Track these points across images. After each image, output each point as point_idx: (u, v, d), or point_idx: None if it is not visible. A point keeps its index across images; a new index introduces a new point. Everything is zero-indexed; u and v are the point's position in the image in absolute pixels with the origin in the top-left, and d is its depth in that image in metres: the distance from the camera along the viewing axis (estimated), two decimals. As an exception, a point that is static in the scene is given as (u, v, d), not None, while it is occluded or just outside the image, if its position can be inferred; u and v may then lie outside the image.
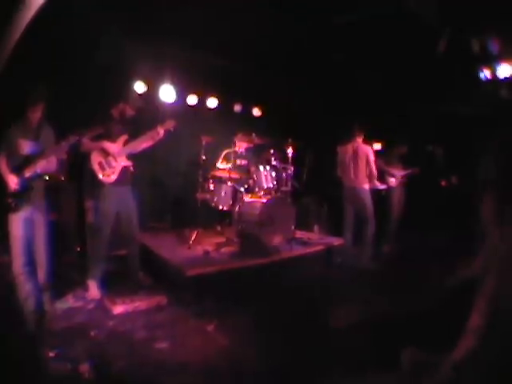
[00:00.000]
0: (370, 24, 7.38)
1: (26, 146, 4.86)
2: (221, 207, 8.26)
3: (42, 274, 4.95)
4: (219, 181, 8.51)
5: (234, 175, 8.36)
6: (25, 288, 4.75)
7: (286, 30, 7.86)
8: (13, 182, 4.70)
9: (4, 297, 4.98)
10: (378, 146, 10.03)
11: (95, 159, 6.00)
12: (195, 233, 7.94)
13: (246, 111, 11.30)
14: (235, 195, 8.31)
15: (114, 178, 6.01)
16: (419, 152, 9.65)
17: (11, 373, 3.69)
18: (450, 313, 3.67)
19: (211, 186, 8.47)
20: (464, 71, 8.20)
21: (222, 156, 8.95)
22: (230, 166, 8.49)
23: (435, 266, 6.92)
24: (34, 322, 4.71)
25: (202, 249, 7.55)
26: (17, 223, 4.77)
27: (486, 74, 8.08)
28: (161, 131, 6.13)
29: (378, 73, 9.30)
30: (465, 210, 8.26)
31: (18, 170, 4.75)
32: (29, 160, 4.80)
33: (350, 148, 8.46)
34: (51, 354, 4.11)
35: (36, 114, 4.94)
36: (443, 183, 9.77)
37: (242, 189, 8.34)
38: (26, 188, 4.78)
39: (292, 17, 7.49)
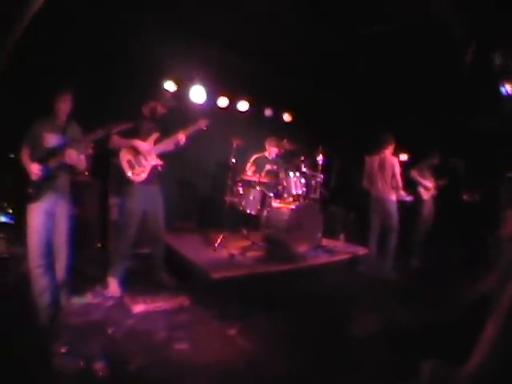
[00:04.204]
0: (396, 35, 7.38)
1: (52, 140, 4.84)
2: (249, 211, 8.23)
3: (60, 268, 4.91)
4: (248, 185, 8.48)
5: (264, 180, 8.30)
6: (40, 282, 4.69)
7: (316, 37, 7.88)
8: (35, 169, 4.62)
9: (16, 288, 4.97)
10: (404, 157, 9.94)
11: (124, 157, 5.96)
12: (221, 235, 7.90)
13: (277, 116, 11.26)
14: (264, 200, 8.27)
15: (143, 176, 5.95)
16: (443, 165, 9.54)
17: (19, 366, 3.68)
18: (467, 326, 3.63)
19: (240, 190, 8.45)
20: (487, 85, 8.09)
21: (251, 161, 8.92)
22: (259, 170, 8.47)
23: (455, 279, 6.93)
24: (48, 317, 4.68)
25: (227, 252, 7.51)
26: (36, 214, 4.70)
27: (507, 88, 7.91)
28: (182, 138, 6.10)
29: (403, 84, 9.26)
30: (485, 225, 8.22)
31: (42, 160, 4.69)
32: (55, 152, 4.75)
33: (377, 159, 8.41)
34: (63, 350, 4.06)
35: (64, 105, 4.92)
36: (465, 197, 9.64)
37: (271, 194, 8.28)
38: (48, 177, 4.71)
39: (322, 25, 7.50)
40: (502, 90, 7.71)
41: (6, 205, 6.35)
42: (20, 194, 4.75)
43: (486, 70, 7.31)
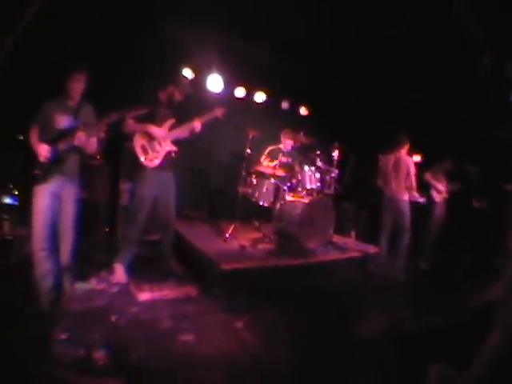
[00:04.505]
0: (419, 35, 7.37)
1: (63, 121, 4.75)
2: (261, 203, 8.14)
3: (64, 252, 4.85)
4: (262, 176, 8.37)
5: (278, 172, 8.21)
6: (43, 266, 4.64)
7: (337, 34, 7.92)
8: (44, 150, 4.54)
9: (19, 271, 4.92)
10: (417, 158, 9.88)
11: (138, 142, 5.88)
12: (232, 226, 7.83)
13: (293, 109, 11.21)
14: (277, 192, 8.20)
15: (157, 162, 5.88)
16: (456, 170, 9.60)
17: (15, 349, 3.62)
18: (472, 331, 3.62)
19: (254, 181, 8.34)
20: (500, 94, 8.02)
21: (266, 152, 8.83)
22: (274, 162, 8.36)
23: (463, 284, 7.04)
24: (50, 301, 4.63)
25: (238, 243, 7.45)
26: (42, 196, 4.63)
27: None
28: (198, 126, 6.02)
29: (422, 85, 9.26)
30: (493, 232, 8.19)
31: (52, 141, 4.61)
32: (65, 134, 4.66)
33: (392, 158, 8.40)
34: (63, 336, 3.99)
35: (78, 85, 4.83)
36: (475, 203, 9.61)
37: (285, 187, 8.20)
38: (57, 159, 4.62)
39: (343, 22, 7.51)
40: None
41: (11, 186, 6.32)
42: (26, 176, 4.69)
43: (499, 80, 7.26)
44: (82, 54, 5.78)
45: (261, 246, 7.53)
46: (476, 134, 9.87)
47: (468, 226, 9.62)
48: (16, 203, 6.30)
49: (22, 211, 5.34)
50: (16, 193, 6.32)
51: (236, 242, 7.50)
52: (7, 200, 6.29)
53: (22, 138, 5.44)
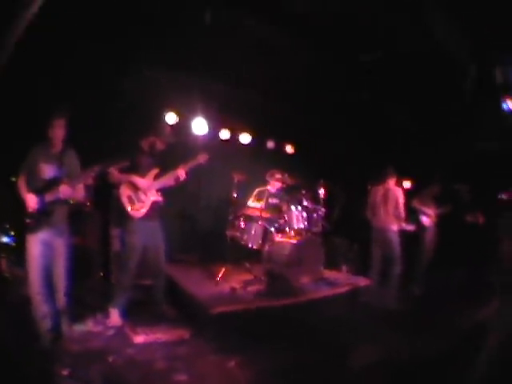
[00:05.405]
0: (396, 60, 7.55)
1: (49, 171, 4.90)
2: (250, 245, 8.23)
3: (59, 297, 4.94)
4: (250, 219, 8.46)
5: (265, 214, 8.33)
6: (41, 308, 4.77)
7: (318, 70, 8.08)
8: (32, 201, 4.71)
9: (16, 308, 5.03)
10: (407, 184, 9.99)
11: (124, 192, 6.05)
12: (223, 269, 7.90)
13: (279, 148, 11.31)
14: (265, 234, 8.29)
15: (143, 212, 6.03)
16: (446, 190, 9.69)
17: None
18: (466, 356, 3.63)
19: (242, 224, 8.43)
20: (488, 104, 8.15)
21: (254, 194, 8.95)
22: (261, 204, 8.51)
23: (457, 307, 6.97)
24: (50, 341, 4.74)
25: (228, 286, 7.48)
26: (34, 244, 4.78)
27: (509, 104, 7.91)
28: (182, 174, 6.14)
29: (405, 110, 9.41)
30: (487, 247, 8.18)
31: (38, 191, 4.76)
32: (51, 184, 4.80)
33: (381, 189, 8.55)
34: (64, 372, 4.10)
35: (58, 131, 4.94)
36: (468, 218, 9.60)
37: (273, 228, 8.31)
38: (45, 210, 4.76)
39: (324, 58, 7.66)
40: (504, 106, 7.77)
41: (7, 226, 6.44)
42: (21, 217, 4.82)
43: (488, 88, 7.38)
44: (62, 100, 5.86)
45: (251, 288, 7.54)
46: (464, 150, 9.94)
47: (461, 245, 9.54)
48: (12, 243, 6.42)
49: (19, 250, 5.45)
50: (12, 233, 6.44)
51: (227, 285, 7.53)
52: (3, 239, 6.41)
53: (14, 179, 5.55)
